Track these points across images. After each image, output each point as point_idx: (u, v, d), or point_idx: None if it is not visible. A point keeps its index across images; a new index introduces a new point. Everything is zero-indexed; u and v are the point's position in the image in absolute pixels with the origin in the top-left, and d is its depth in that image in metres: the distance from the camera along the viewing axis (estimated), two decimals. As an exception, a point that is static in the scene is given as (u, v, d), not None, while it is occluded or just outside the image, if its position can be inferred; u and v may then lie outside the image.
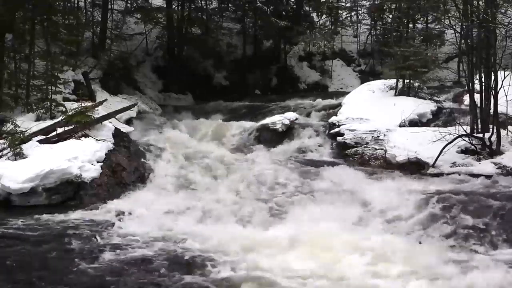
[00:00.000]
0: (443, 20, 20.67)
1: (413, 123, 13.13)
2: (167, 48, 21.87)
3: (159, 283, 6.22)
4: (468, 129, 11.33)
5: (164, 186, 10.38)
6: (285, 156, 12.59)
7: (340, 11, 25.34)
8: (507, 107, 11.15)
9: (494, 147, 10.86)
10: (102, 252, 7.07)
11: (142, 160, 11.56)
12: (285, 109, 15.94)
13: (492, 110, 11.23)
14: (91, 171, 9.79)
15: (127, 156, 11.16)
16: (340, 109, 14.61)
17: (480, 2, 11.69)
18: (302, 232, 7.66)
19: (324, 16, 25.08)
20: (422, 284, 6.17)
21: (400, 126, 12.86)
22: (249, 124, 14.50)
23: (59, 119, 11.55)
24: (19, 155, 9.90)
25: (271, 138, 13.74)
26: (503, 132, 11.13)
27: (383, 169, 11.18)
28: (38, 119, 11.90)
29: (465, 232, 7.68)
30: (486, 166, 10.45)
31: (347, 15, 26.18)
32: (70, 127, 11.09)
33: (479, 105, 11.58)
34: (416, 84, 14.94)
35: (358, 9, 25.93)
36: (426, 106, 13.84)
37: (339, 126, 13.20)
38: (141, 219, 8.41)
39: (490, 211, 8.15)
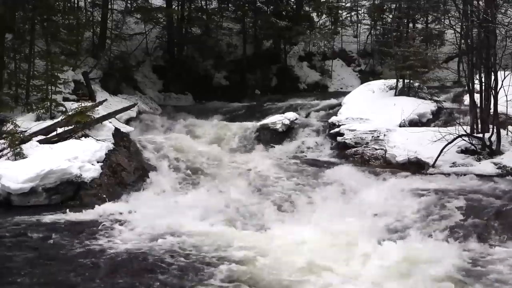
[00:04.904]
0: (443, 20, 20.68)
1: (413, 123, 13.14)
2: (167, 48, 21.87)
3: (159, 283, 6.22)
4: (468, 129, 11.33)
5: (164, 186, 10.38)
6: (285, 156, 12.62)
7: (340, 11, 25.33)
8: (507, 107, 11.14)
9: (494, 147, 10.86)
10: (102, 252, 7.06)
11: (142, 160, 11.57)
12: (285, 109, 15.94)
13: (492, 110, 11.23)
14: (91, 171, 9.79)
15: (127, 156, 11.16)
16: (340, 109, 14.63)
17: (480, 2, 11.69)
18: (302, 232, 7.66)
19: (324, 16, 25.08)
20: (421, 284, 6.17)
21: (400, 126, 12.88)
22: (249, 124, 14.51)
23: (59, 119, 11.56)
24: (19, 155, 9.90)
25: (271, 138, 13.76)
26: (503, 132, 11.13)
27: (383, 169, 11.18)
28: (38, 119, 11.89)
29: (465, 231, 7.68)
30: (486, 166, 10.45)
31: (347, 15, 26.19)
32: (70, 127, 11.09)
33: (479, 105, 11.58)
34: (416, 84, 14.95)
35: (358, 9, 25.94)
36: (426, 106, 13.84)
37: (339, 126, 13.22)
38: (141, 219, 8.39)
39: (490, 211, 8.15)
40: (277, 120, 14.00)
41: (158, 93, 20.33)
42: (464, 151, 11.08)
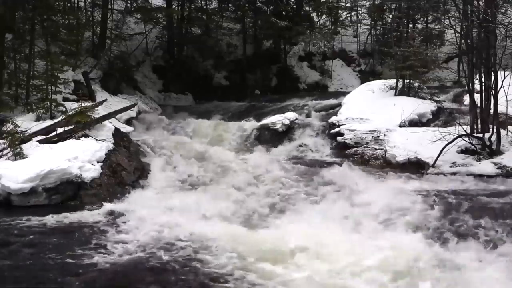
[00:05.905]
0: (443, 20, 20.69)
1: (413, 123, 13.14)
2: (167, 48, 21.88)
3: (159, 284, 6.22)
4: (468, 129, 11.33)
5: (164, 186, 10.39)
6: (285, 156, 12.61)
7: (340, 11, 25.35)
8: (507, 107, 11.15)
9: (494, 147, 10.86)
10: (101, 252, 7.06)
11: (142, 160, 11.57)
12: (285, 109, 15.94)
13: (492, 110, 11.23)
14: (91, 171, 9.79)
15: (127, 156, 11.17)
16: (340, 109, 14.63)
17: (480, 2, 11.69)
18: (301, 232, 7.65)
19: (324, 16, 25.09)
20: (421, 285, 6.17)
21: (400, 126, 12.88)
22: (249, 124, 14.51)
23: (59, 119, 11.57)
24: (19, 155, 9.90)
25: (271, 138, 13.77)
26: (503, 132, 11.13)
27: (383, 169, 11.18)
28: (38, 119, 11.90)
29: (465, 231, 7.68)
30: (486, 166, 10.46)
31: (347, 15, 26.20)
32: (70, 127, 11.10)
33: (479, 105, 11.58)
34: (416, 84, 14.95)
35: (358, 9, 25.95)
36: (426, 106, 13.84)
37: (339, 126, 13.22)
38: (141, 219, 8.38)
39: (490, 211, 8.15)
40: (277, 120, 14.00)
41: (158, 93, 20.34)
42: (464, 151, 11.08)
